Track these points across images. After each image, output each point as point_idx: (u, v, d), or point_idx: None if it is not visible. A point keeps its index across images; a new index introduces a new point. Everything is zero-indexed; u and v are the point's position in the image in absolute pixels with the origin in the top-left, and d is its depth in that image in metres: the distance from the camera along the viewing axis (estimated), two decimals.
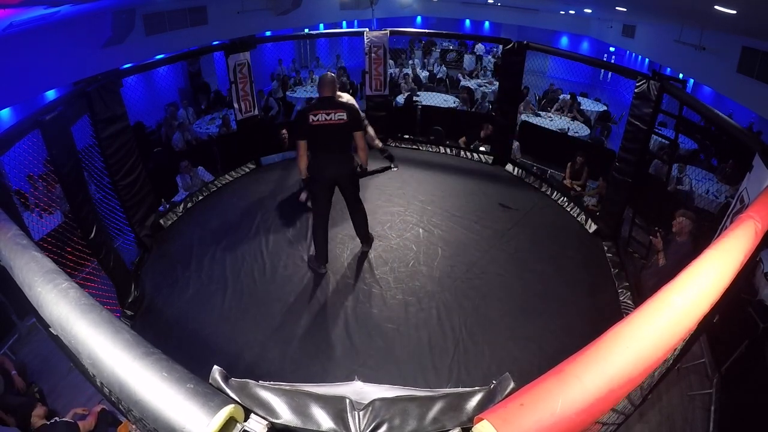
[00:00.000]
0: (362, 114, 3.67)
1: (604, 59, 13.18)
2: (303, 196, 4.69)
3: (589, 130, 8.01)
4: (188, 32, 9.07)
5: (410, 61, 13.12)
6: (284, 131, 6.07)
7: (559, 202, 5.11)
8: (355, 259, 3.97)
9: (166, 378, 0.88)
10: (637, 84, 3.93)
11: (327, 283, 3.70)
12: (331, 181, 3.53)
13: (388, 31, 5.81)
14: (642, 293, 3.59)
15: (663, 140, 4.27)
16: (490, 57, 14.27)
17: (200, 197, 5.10)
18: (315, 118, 3.26)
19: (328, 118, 3.26)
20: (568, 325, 3.35)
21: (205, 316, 3.42)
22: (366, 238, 3.96)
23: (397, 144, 6.36)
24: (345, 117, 3.28)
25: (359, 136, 3.41)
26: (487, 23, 17.72)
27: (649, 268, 3.74)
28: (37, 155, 3.01)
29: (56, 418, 2.85)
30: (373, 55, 5.85)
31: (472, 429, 0.86)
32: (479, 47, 15.24)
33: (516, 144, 6.07)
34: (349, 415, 0.93)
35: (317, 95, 3.43)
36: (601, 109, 9.48)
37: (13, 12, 4.88)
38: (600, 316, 3.48)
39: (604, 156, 5.76)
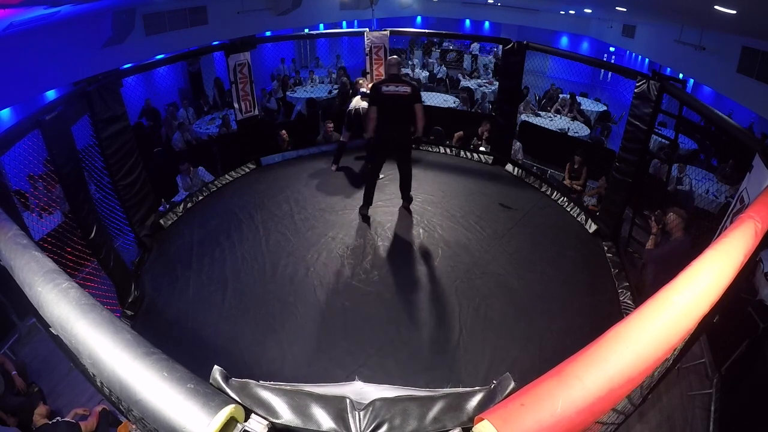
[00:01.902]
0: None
1: (604, 59, 13.18)
2: (333, 167, 5.58)
3: (589, 130, 8.00)
4: (188, 32, 9.06)
5: (410, 62, 13.11)
6: (284, 131, 6.08)
7: (559, 202, 5.12)
8: (356, 259, 3.97)
9: (167, 378, 0.89)
10: (637, 84, 3.93)
11: (327, 283, 3.71)
12: (389, 148, 4.36)
13: (388, 31, 5.81)
14: (642, 292, 3.59)
15: (663, 140, 4.27)
16: (491, 57, 14.25)
17: (200, 197, 5.10)
18: (386, 89, 4.07)
19: (396, 90, 4.06)
20: (568, 325, 3.35)
21: (205, 316, 3.42)
22: (406, 197, 4.66)
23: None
24: (409, 90, 4.07)
25: (419, 108, 4.15)
26: (487, 23, 17.73)
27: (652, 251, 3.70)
28: (37, 155, 3.00)
29: (58, 418, 2.84)
30: (373, 55, 5.85)
31: (473, 429, 0.86)
32: (474, 46, 15.22)
33: (518, 144, 6.07)
34: (349, 415, 0.93)
35: (385, 75, 4.40)
36: (601, 109, 9.47)
37: (13, 12, 4.88)
38: (600, 316, 3.48)
39: (604, 156, 5.76)
